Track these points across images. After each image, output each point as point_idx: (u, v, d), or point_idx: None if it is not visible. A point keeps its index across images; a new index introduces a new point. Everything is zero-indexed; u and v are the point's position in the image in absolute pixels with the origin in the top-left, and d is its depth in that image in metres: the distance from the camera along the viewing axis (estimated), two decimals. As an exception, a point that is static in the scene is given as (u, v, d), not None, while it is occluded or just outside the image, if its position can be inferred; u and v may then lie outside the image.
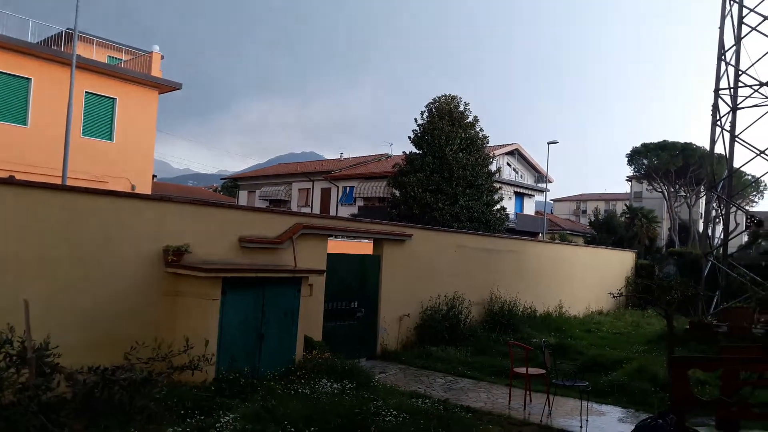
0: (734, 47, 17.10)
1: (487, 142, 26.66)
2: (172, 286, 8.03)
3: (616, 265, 21.65)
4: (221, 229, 8.83)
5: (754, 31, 16.95)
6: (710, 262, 17.01)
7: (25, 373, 4.60)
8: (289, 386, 7.46)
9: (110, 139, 20.22)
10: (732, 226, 18.31)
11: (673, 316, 9.90)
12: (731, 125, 16.95)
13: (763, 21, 16.68)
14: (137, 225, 7.84)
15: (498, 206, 25.74)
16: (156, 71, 22.36)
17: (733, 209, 18.45)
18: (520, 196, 39.71)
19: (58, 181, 15.08)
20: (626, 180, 59.38)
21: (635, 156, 48.08)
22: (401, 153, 28.27)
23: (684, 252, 24.69)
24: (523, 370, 8.65)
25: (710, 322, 12.56)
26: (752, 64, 16.91)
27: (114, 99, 20.34)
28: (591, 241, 37.51)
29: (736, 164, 17.72)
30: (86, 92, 19.44)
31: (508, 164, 39.01)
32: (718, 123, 17.04)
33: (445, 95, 26.20)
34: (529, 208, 41.06)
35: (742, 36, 17.08)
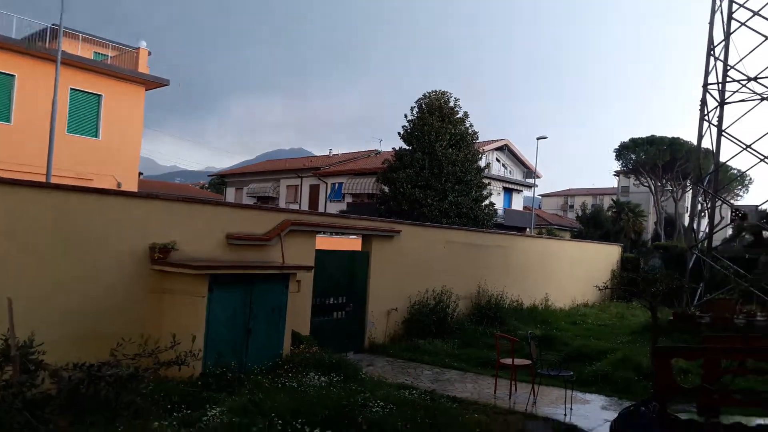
0: (723, 42, 17.27)
1: (477, 138, 26.66)
2: (158, 283, 8.02)
3: (602, 258, 21.88)
4: (208, 226, 8.82)
5: (743, 27, 17.10)
6: (695, 255, 17.23)
7: (9, 371, 4.59)
8: (277, 380, 7.50)
9: (96, 136, 20.05)
10: (717, 219, 18.55)
11: (658, 308, 10.05)
12: (719, 120, 17.12)
13: (752, 16, 16.83)
14: (124, 222, 7.81)
15: (486, 202, 25.84)
16: (143, 67, 22.14)
17: (719, 203, 18.69)
18: (508, 192, 39.91)
19: (43, 179, 14.94)
20: (614, 175, 59.80)
21: (623, 151, 48.34)
22: (391, 149, 28.24)
23: (669, 245, 24.96)
24: (509, 361, 8.75)
25: (693, 313, 12.74)
26: (741, 59, 17.04)
27: (100, 95, 20.15)
28: (578, 235, 37.77)
29: (723, 158, 17.93)
30: (71, 89, 19.25)
31: (497, 160, 39.16)
32: (706, 118, 17.22)
33: (435, 91, 25.87)
34: (518, 203, 41.27)
35: (732, 31, 17.24)
